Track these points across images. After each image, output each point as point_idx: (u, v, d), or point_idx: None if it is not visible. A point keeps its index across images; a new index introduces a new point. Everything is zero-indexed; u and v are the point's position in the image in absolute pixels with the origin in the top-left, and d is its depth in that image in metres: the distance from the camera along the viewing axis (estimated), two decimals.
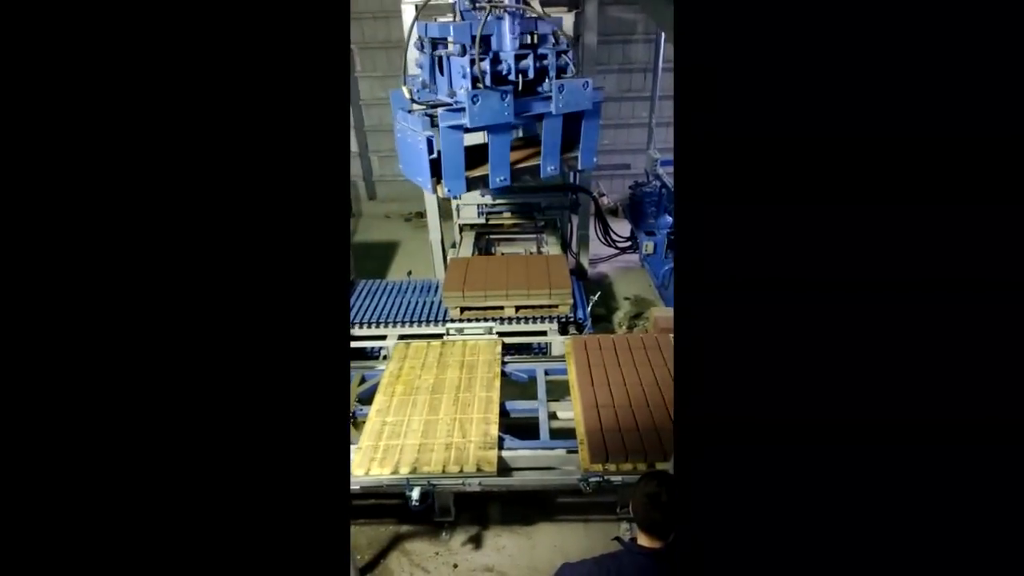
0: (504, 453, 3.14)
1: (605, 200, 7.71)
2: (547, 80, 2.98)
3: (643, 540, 2.02)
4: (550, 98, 2.95)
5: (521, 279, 4.49)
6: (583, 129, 3.21)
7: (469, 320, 4.39)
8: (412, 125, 2.91)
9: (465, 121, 2.76)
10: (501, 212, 5.96)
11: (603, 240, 6.97)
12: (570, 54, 3.07)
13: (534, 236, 6.09)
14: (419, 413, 3.43)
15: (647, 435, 3.16)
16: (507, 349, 4.29)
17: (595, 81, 3.07)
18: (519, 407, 3.68)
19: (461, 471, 3.03)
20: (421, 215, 6.99)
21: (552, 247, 5.72)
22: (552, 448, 3.22)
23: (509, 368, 3.94)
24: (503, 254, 5.95)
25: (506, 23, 2.84)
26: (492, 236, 6.09)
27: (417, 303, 4.72)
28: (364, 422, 3.38)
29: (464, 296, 4.37)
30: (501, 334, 4.31)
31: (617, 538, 2.10)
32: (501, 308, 4.41)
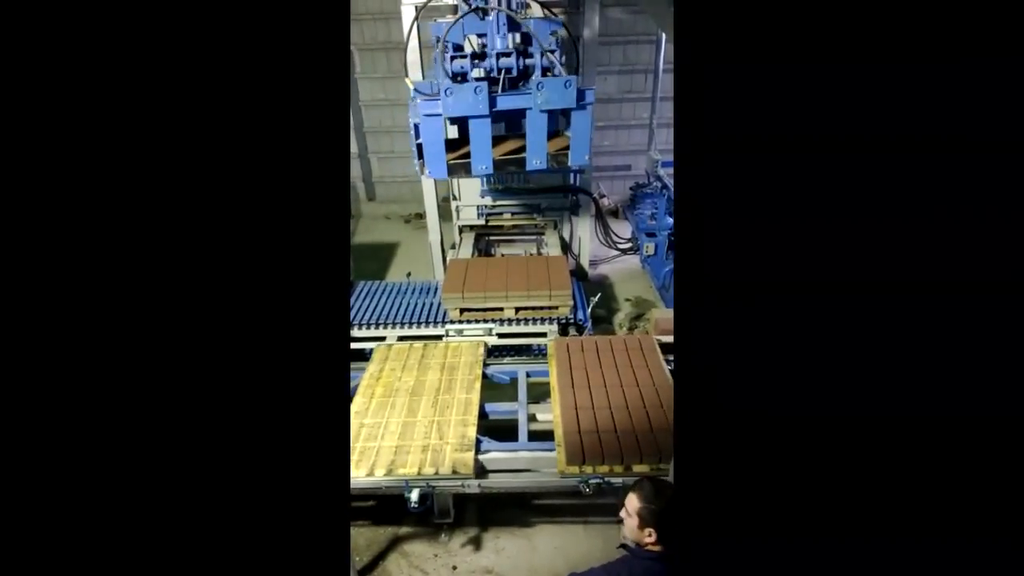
0: (481, 455, 3.15)
1: (606, 201, 7.71)
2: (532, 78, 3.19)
3: (650, 543, 2.02)
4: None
5: (521, 280, 4.48)
6: (571, 126, 3.31)
7: (468, 321, 4.39)
8: (409, 113, 3.26)
9: (439, 110, 3.03)
10: (501, 213, 5.96)
11: (604, 241, 6.97)
12: (559, 54, 3.21)
13: (534, 237, 6.09)
14: (397, 415, 3.43)
15: (625, 437, 3.17)
16: (507, 351, 4.29)
17: (588, 81, 3.20)
18: (500, 409, 3.68)
19: (436, 473, 3.03)
20: (421, 216, 6.99)
21: (552, 248, 5.72)
22: (531, 450, 3.22)
23: (491, 370, 3.94)
24: (503, 255, 5.95)
25: (493, 24, 3.08)
26: (492, 237, 6.09)
27: (416, 304, 4.71)
28: None
29: (464, 297, 4.36)
30: (501, 335, 4.31)
31: (623, 545, 2.10)
32: (501, 310, 4.41)
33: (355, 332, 4.43)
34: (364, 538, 3.60)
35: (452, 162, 3.33)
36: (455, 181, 5.81)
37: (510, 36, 3.15)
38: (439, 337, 4.34)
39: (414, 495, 2.97)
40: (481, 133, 3.19)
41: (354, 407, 3.48)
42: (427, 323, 4.46)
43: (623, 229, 7.11)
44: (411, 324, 4.46)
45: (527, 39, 3.19)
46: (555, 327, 4.37)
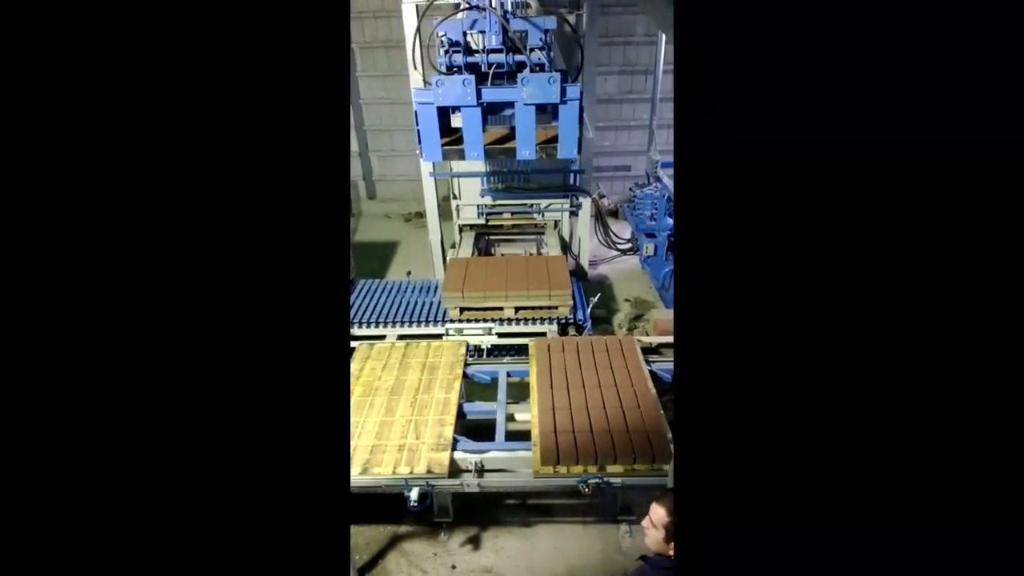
0: (456, 455, 3.16)
1: (605, 201, 7.71)
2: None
3: (669, 551, 2.02)
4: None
5: (521, 280, 4.49)
6: (559, 120, 3.47)
7: (468, 320, 4.39)
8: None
9: (431, 99, 3.31)
10: (501, 213, 5.97)
11: (603, 241, 6.97)
12: (551, 53, 3.45)
13: (534, 237, 6.09)
14: (375, 415, 3.44)
15: (600, 437, 3.18)
16: (507, 350, 4.29)
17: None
18: (479, 409, 3.69)
19: (411, 473, 3.04)
20: (421, 215, 6.99)
21: (552, 248, 5.72)
22: (508, 450, 3.23)
23: (471, 370, 3.95)
24: (503, 255, 5.95)
25: (486, 23, 3.34)
26: (492, 237, 6.09)
27: (416, 303, 4.72)
28: None
29: (464, 296, 4.37)
30: (500, 335, 4.31)
31: (643, 557, 2.11)
32: (500, 309, 4.41)
33: (355, 331, 4.44)
34: (364, 537, 3.60)
35: (447, 148, 3.56)
36: (455, 180, 5.82)
37: (502, 34, 3.37)
38: (439, 336, 4.34)
39: (413, 494, 2.98)
40: (472, 122, 3.41)
41: None
42: (427, 322, 4.46)
43: (623, 229, 7.12)
44: (411, 323, 4.47)
45: (521, 37, 3.41)
46: (555, 327, 4.37)
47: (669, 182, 6.11)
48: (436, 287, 4.91)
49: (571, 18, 5.17)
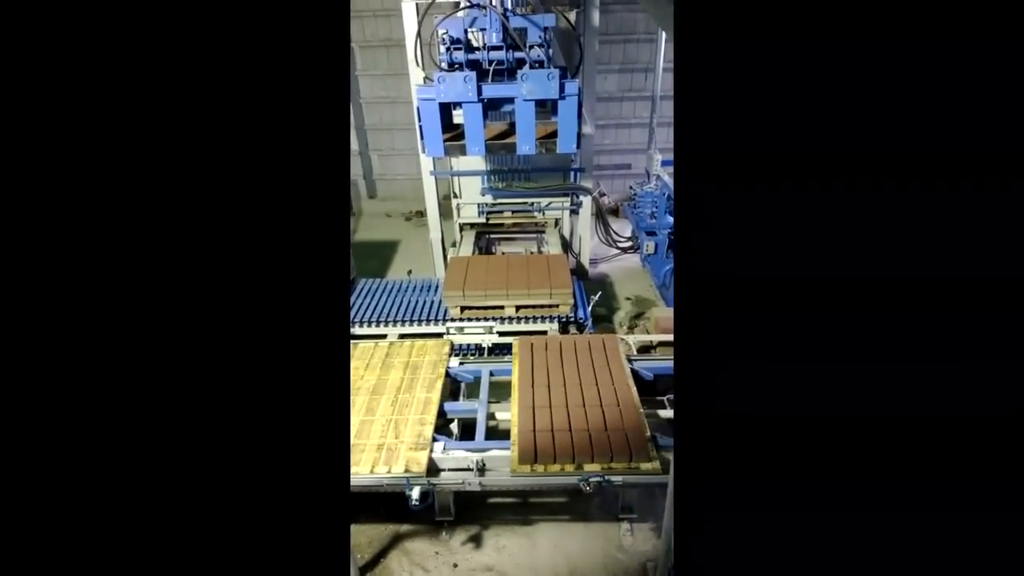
0: (435, 454, 3.16)
1: (606, 200, 7.70)
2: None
3: None
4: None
5: (522, 278, 4.49)
6: (559, 115, 3.51)
7: (469, 319, 4.39)
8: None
9: (433, 95, 3.37)
10: (502, 211, 5.96)
11: (604, 240, 6.97)
12: (550, 50, 3.50)
13: (535, 235, 6.09)
14: (356, 414, 3.45)
15: (578, 436, 3.19)
16: (506, 349, 4.28)
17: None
18: (461, 408, 3.69)
19: (389, 472, 3.05)
20: (421, 214, 6.99)
21: (553, 246, 5.72)
22: (487, 449, 3.23)
23: (454, 369, 3.95)
24: (504, 253, 5.95)
25: (486, 21, 3.41)
26: (493, 235, 6.09)
27: (417, 302, 4.72)
28: None
29: (464, 295, 4.37)
30: (501, 334, 4.31)
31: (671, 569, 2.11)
32: (501, 307, 4.41)
33: (356, 330, 4.44)
34: (366, 536, 3.61)
35: (449, 143, 3.61)
36: (456, 179, 5.81)
37: (503, 32, 3.44)
38: (440, 335, 4.34)
39: (415, 492, 2.98)
40: (473, 117, 3.47)
41: None
42: (428, 321, 4.46)
43: (623, 228, 7.11)
44: (412, 322, 4.47)
45: (520, 34, 3.48)
46: (555, 325, 4.37)
47: (669, 180, 6.10)
48: (437, 286, 4.91)
49: (571, 15, 5.16)
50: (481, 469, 3.14)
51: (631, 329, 5.53)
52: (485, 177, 5.75)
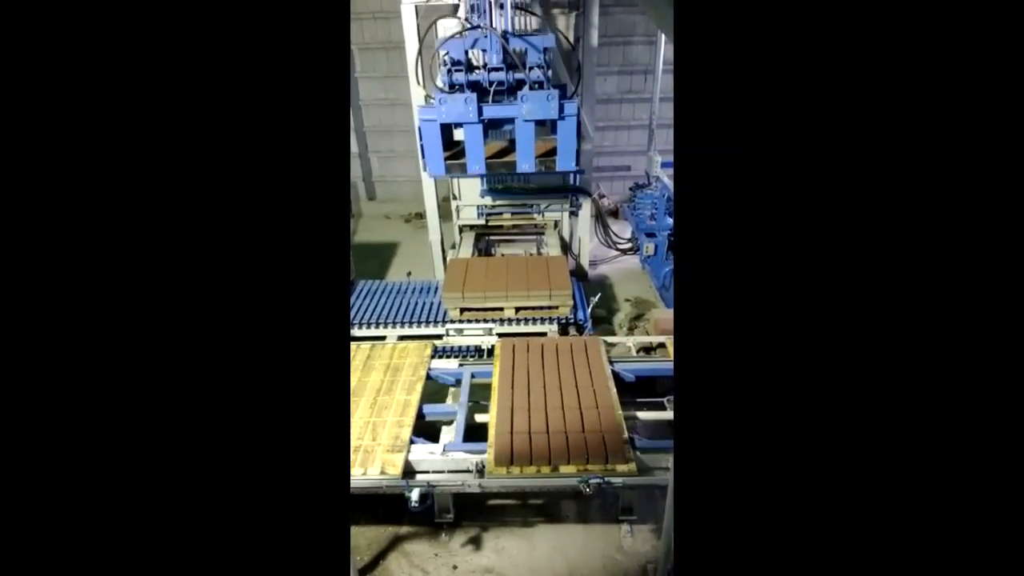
0: (412, 457, 3.17)
1: (606, 201, 7.71)
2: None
3: None
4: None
5: (521, 280, 4.49)
6: (558, 134, 3.59)
7: (468, 321, 4.39)
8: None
9: (434, 116, 3.47)
10: (501, 213, 5.96)
11: (604, 241, 6.97)
12: (549, 71, 3.61)
13: (534, 237, 6.09)
14: None
15: (555, 438, 3.20)
16: None
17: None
18: (441, 410, 3.69)
19: (364, 474, 3.06)
20: (421, 216, 6.98)
21: (552, 248, 5.72)
22: (465, 451, 3.24)
23: (435, 371, 3.95)
24: (503, 255, 5.95)
25: (487, 43, 3.51)
26: (492, 237, 6.09)
27: (417, 304, 4.72)
28: None
29: (464, 297, 4.37)
30: (501, 335, 4.31)
31: None
32: (501, 309, 4.41)
33: (356, 331, 4.44)
34: (365, 537, 3.60)
35: (450, 162, 3.69)
36: (455, 181, 5.82)
37: (503, 52, 3.54)
38: (439, 336, 4.34)
39: (414, 494, 2.98)
40: (474, 138, 3.58)
41: None
42: (427, 322, 4.46)
43: (623, 229, 7.11)
44: (411, 323, 4.46)
45: (520, 55, 3.58)
46: (555, 327, 4.37)
47: (669, 182, 6.11)
48: (436, 288, 4.91)
49: (571, 18, 5.16)
50: (481, 471, 3.14)
51: (631, 331, 5.53)
52: (484, 179, 5.76)
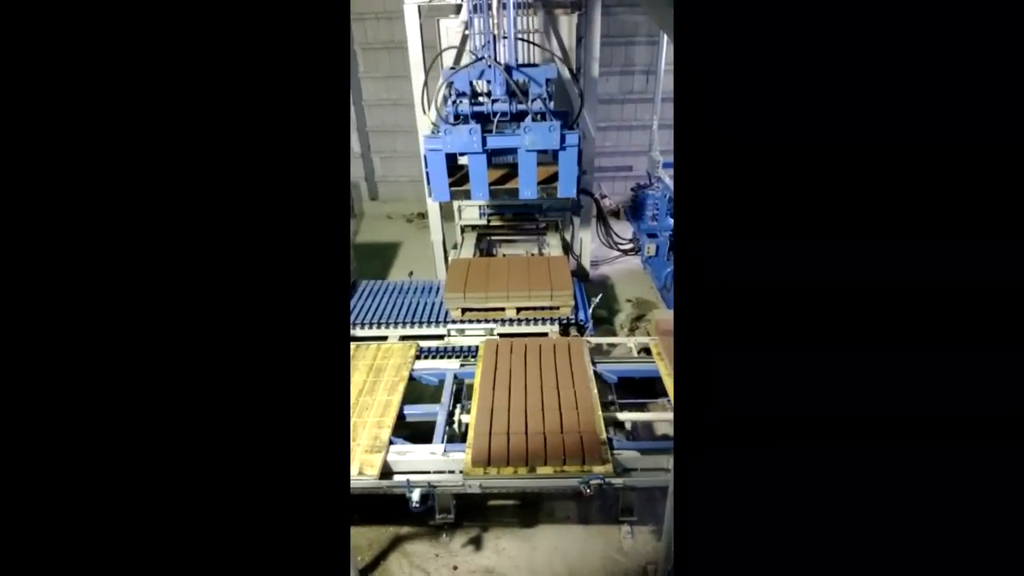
0: (390, 457, 3.17)
1: (607, 202, 7.70)
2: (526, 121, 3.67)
3: None
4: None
5: (522, 280, 4.49)
6: (559, 163, 3.73)
7: (470, 321, 4.39)
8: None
9: (439, 146, 3.62)
10: (503, 213, 5.97)
11: (605, 242, 6.97)
12: (550, 103, 3.75)
13: (536, 237, 6.09)
14: None
15: (534, 439, 3.19)
16: None
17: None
18: (423, 411, 3.68)
19: None
20: (423, 216, 6.99)
21: (554, 248, 5.71)
22: (445, 452, 3.24)
23: (418, 372, 3.94)
24: (504, 255, 5.94)
25: (492, 73, 3.66)
26: (494, 237, 6.09)
27: (418, 304, 4.72)
28: None
29: (465, 297, 4.37)
30: (502, 335, 4.31)
31: None
32: (502, 309, 4.41)
33: (357, 332, 4.44)
34: (365, 538, 3.60)
35: (454, 188, 3.87)
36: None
37: (506, 84, 3.68)
38: (441, 337, 4.34)
39: (415, 495, 2.98)
40: (478, 167, 3.73)
41: None
42: (429, 323, 4.46)
43: (624, 230, 7.11)
44: (413, 324, 4.47)
45: (522, 86, 3.74)
46: (556, 327, 4.37)
47: (670, 182, 6.10)
48: (438, 288, 4.91)
49: (573, 18, 5.16)
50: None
51: (632, 331, 5.53)
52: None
